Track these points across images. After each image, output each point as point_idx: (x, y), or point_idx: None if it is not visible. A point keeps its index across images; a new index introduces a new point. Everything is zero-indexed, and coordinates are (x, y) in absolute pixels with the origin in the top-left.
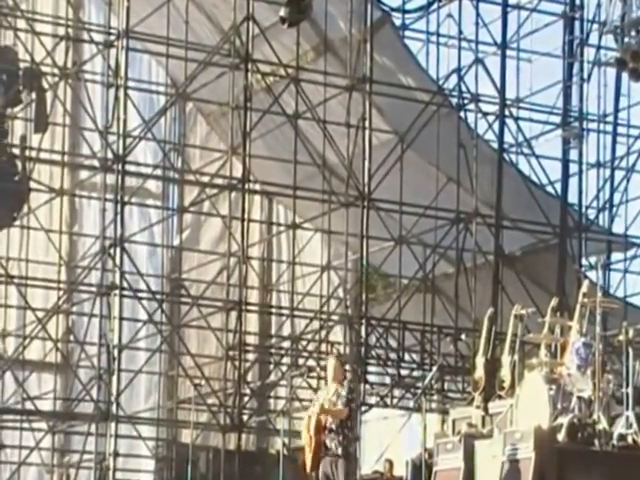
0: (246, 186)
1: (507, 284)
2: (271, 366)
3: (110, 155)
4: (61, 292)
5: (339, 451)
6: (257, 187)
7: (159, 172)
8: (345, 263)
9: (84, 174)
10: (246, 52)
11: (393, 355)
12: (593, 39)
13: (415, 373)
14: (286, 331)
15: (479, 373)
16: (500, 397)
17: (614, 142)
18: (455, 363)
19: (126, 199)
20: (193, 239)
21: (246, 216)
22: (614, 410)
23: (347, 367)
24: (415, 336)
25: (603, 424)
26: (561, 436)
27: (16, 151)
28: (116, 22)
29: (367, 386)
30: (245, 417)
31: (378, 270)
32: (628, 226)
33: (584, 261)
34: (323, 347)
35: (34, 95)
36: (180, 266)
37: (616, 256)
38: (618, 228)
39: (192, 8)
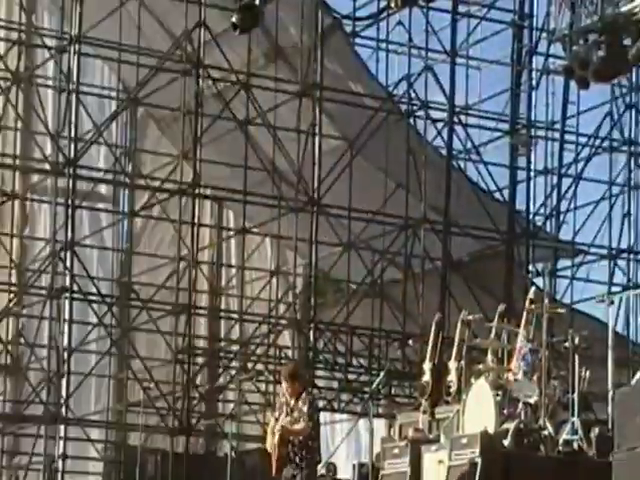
0: (196, 191)
1: (455, 290)
2: (220, 370)
3: (61, 159)
4: (12, 295)
5: (303, 463)
6: (207, 192)
7: (110, 176)
8: (294, 268)
9: (35, 178)
10: (197, 58)
11: (341, 359)
12: (542, 47)
13: (363, 378)
14: (235, 335)
15: (426, 378)
16: (447, 402)
17: (562, 149)
18: (402, 368)
19: (77, 203)
20: (143, 243)
21: (196, 220)
22: (560, 416)
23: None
24: (363, 341)
25: (549, 430)
26: (507, 441)
27: None
28: (68, 27)
29: (315, 390)
30: (193, 420)
31: (327, 275)
32: (575, 233)
33: (531, 267)
34: (272, 351)
35: None
36: (130, 270)
37: (563, 263)
38: (565, 235)
39: (144, 14)
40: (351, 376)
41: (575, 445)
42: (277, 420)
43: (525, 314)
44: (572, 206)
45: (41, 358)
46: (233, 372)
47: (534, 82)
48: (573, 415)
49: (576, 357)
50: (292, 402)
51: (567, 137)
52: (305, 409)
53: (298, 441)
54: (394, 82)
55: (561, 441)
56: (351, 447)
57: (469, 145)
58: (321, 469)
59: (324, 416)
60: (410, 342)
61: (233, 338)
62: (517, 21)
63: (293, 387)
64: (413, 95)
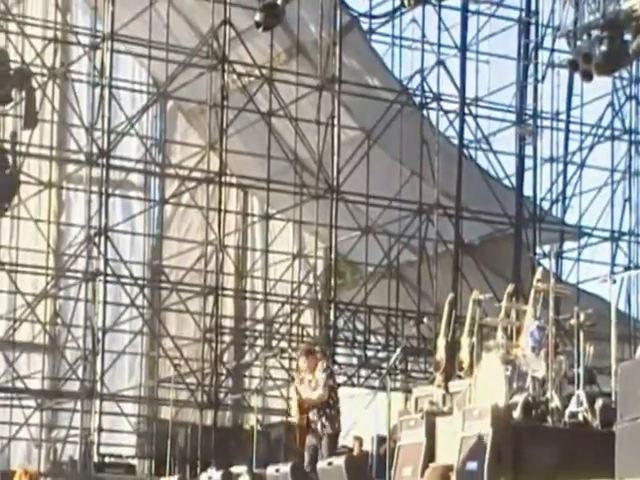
0: (223, 179)
1: (466, 271)
2: (246, 347)
3: (95, 150)
4: (49, 278)
5: (324, 430)
6: (233, 180)
7: (141, 166)
8: (315, 251)
9: (71, 168)
10: (223, 54)
11: (360, 337)
12: (547, 42)
13: (380, 354)
14: (260, 315)
15: (440, 354)
16: (460, 377)
17: (567, 138)
18: (418, 345)
19: (110, 191)
20: (173, 229)
21: (222, 207)
22: (566, 389)
23: (318, 351)
24: (380, 320)
25: (556, 402)
26: (516, 413)
27: (7, 146)
28: (101, 26)
29: (335, 367)
30: (221, 395)
31: (346, 258)
32: (580, 217)
33: (538, 249)
34: (294, 330)
35: (24, 93)
36: (160, 254)
37: (568, 245)
38: (571, 219)
39: (172, 13)
40: (369, 353)
41: (580, 416)
42: (298, 392)
43: (532, 293)
44: (576, 191)
45: (77, 337)
46: (258, 349)
47: (540, 75)
48: (578, 388)
49: (581, 333)
50: (311, 376)
51: (571, 127)
52: (321, 377)
53: (317, 409)
54: (408, 76)
55: (567, 413)
56: (370, 420)
57: (479, 135)
58: (344, 439)
59: (343, 391)
60: (425, 320)
61: (258, 318)
62: (524, 18)
63: (309, 362)
64: (426, 88)
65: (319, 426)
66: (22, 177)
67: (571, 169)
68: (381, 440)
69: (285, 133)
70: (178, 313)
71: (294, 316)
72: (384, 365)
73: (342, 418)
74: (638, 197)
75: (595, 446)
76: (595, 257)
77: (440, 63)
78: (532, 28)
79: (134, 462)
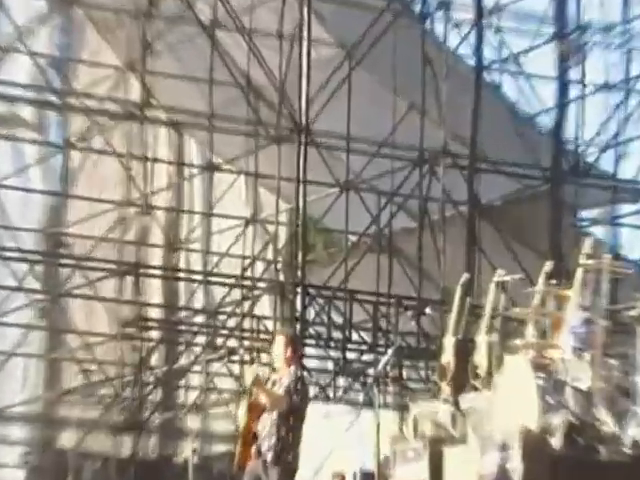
0: (148, 113)
1: (485, 243)
2: (181, 347)
3: None
4: None
5: (269, 456)
6: (162, 116)
7: (35, 94)
8: (276, 215)
9: None
10: None
11: (337, 334)
12: None
13: (365, 357)
14: (199, 302)
15: (448, 357)
16: (475, 388)
17: (627, 60)
18: (417, 344)
19: None
20: (81, 184)
21: (149, 154)
22: (619, 405)
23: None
24: (366, 309)
25: (609, 424)
26: (555, 440)
27: None
28: None
29: (305, 373)
30: (145, 413)
31: (319, 224)
32: None
33: (584, 213)
34: (247, 323)
35: None
36: (62, 218)
37: (626, 208)
38: (627, 172)
39: None
40: (351, 355)
41: None
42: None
43: (579, 273)
44: (636, 135)
45: None
46: (198, 350)
47: None
48: (637, 404)
49: None
50: (282, 371)
51: (631, 44)
52: (286, 381)
53: (269, 423)
54: None
55: (627, 439)
56: (352, 448)
57: (504, 54)
58: (317, 475)
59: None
60: (427, 310)
61: (197, 306)
62: None
63: (290, 353)
64: None
65: (265, 448)
66: None
67: (630, 103)
68: (367, 478)
69: (235, 51)
70: (86, 300)
71: (246, 304)
72: (370, 372)
73: (311, 451)
74: None
75: None
76: None
77: None
78: None
79: None
